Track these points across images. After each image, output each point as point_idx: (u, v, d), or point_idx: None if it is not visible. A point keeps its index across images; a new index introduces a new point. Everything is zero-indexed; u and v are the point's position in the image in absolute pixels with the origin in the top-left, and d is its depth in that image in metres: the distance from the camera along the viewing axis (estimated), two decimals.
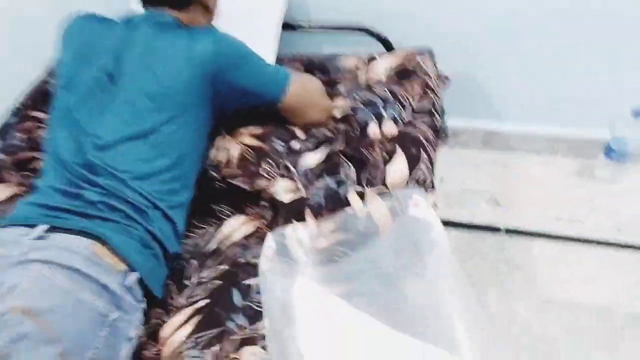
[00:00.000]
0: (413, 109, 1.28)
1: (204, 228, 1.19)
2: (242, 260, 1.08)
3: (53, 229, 0.95)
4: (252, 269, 1.05)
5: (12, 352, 0.80)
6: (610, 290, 1.44)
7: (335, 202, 1.11)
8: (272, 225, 1.13)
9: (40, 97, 1.44)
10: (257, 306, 0.99)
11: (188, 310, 1.02)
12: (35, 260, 0.89)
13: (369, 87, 1.36)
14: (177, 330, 0.99)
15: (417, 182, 1.12)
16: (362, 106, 1.29)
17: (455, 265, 0.80)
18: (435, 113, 1.28)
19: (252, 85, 1.16)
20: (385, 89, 1.33)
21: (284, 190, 1.17)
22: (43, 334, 0.83)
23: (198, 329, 0.98)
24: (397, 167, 1.14)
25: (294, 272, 0.94)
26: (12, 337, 0.82)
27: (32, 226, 0.95)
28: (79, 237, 0.94)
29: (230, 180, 1.19)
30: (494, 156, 1.84)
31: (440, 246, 0.84)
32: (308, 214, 1.10)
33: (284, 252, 0.99)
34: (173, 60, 1.09)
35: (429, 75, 1.35)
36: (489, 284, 1.48)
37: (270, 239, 1.01)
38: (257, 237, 1.12)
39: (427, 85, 1.33)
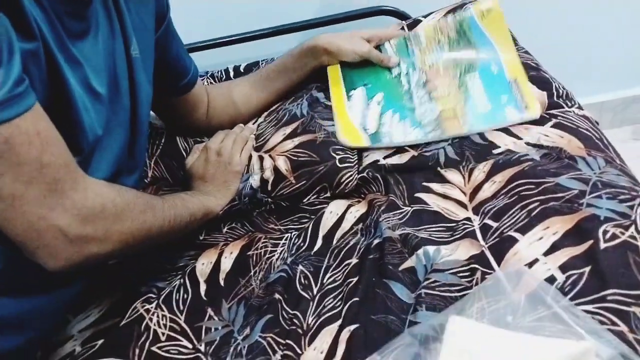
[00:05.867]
0: None
1: (293, 229, 0.83)
2: (375, 241, 0.71)
3: None
4: (397, 251, 0.69)
5: None
6: None
7: (470, 147, 0.80)
8: (389, 192, 0.79)
9: None
10: (444, 291, 0.62)
11: (329, 331, 0.63)
12: None
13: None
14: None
15: (560, 97, 0.84)
16: None
17: None
18: None
19: None
20: None
21: (382, 156, 0.85)
22: None
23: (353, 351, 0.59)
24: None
25: None
26: None
27: None
28: None
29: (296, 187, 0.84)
30: None
31: None
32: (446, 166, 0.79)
33: None
34: None
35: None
36: None
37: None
38: (377, 212, 0.77)
39: None
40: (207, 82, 1.21)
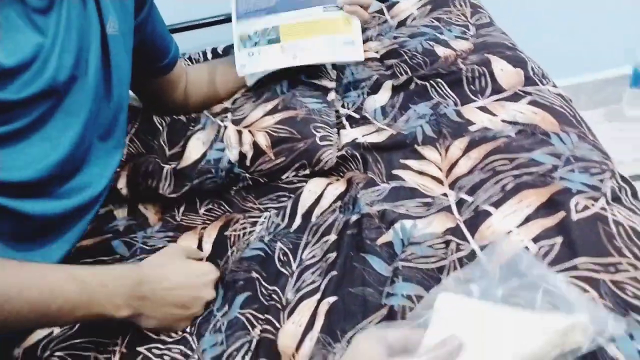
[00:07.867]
0: (474, 25, 1.04)
1: (272, 208, 0.82)
2: (353, 217, 0.72)
3: None
4: (375, 226, 0.70)
5: None
6: None
7: (447, 124, 0.81)
8: (367, 170, 0.80)
9: None
10: (420, 263, 0.63)
11: (308, 304, 0.64)
12: None
13: (404, 25, 1.11)
14: (303, 338, 0.61)
15: (535, 74, 0.86)
16: (408, 39, 1.04)
17: None
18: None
19: None
20: (430, 20, 1.08)
21: (360, 135, 0.86)
22: None
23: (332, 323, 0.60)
24: (503, 68, 0.87)
25: None
26: None
27: None
28: None
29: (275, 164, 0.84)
30: None
31: None
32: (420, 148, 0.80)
33: None
34: None
35: None
36: None
37: None
38: (356, 189, 0.77)
39: (472, 5, 1.11)
40: (185, 64, 1.20)
